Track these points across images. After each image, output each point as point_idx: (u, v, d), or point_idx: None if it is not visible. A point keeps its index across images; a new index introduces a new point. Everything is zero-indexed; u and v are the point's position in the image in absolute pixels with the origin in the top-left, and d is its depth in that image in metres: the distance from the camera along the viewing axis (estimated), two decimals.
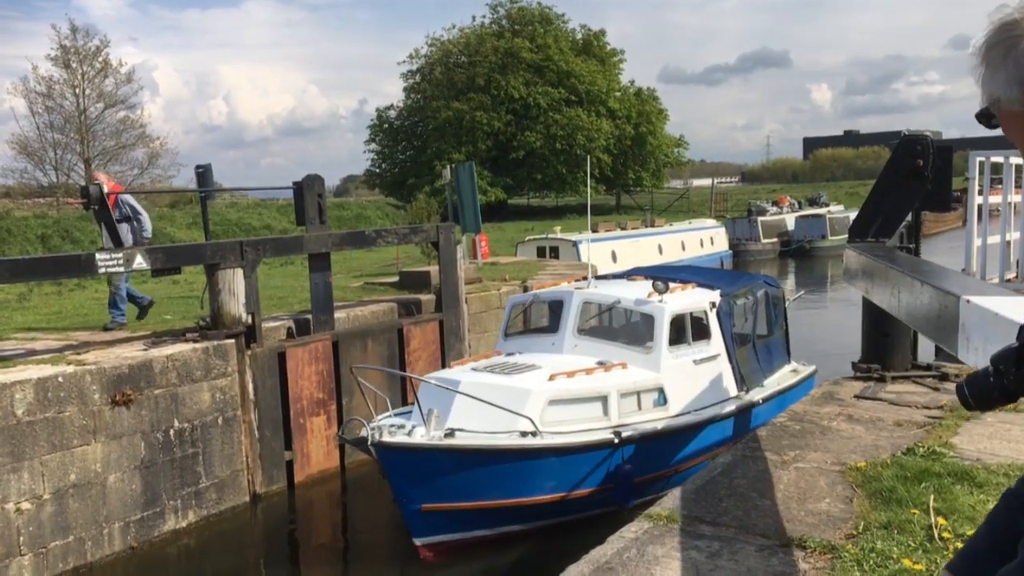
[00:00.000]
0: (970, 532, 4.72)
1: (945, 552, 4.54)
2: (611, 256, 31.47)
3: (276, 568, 10.10)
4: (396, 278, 18.17)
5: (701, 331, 11.07)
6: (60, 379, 9.59)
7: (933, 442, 6.46)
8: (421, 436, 8.80)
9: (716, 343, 11.15)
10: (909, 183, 8.33)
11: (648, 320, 10.79)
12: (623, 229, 35.73)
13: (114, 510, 10.08)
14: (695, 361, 10.80)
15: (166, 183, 41.41)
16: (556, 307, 11.47)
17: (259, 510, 11.40)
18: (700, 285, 11.81)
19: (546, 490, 9.40)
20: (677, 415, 10.38)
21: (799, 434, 6.99)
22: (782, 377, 12.69)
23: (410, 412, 9.81)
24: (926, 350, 9.43)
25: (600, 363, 10.31)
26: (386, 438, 8.63)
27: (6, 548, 9.04)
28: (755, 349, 12.12)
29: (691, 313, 10.93)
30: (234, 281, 11.77)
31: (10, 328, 13.42)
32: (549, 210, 66.46)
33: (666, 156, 69.07)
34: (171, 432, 10.70)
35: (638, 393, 10.12)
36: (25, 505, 9.19)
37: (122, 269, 10.93)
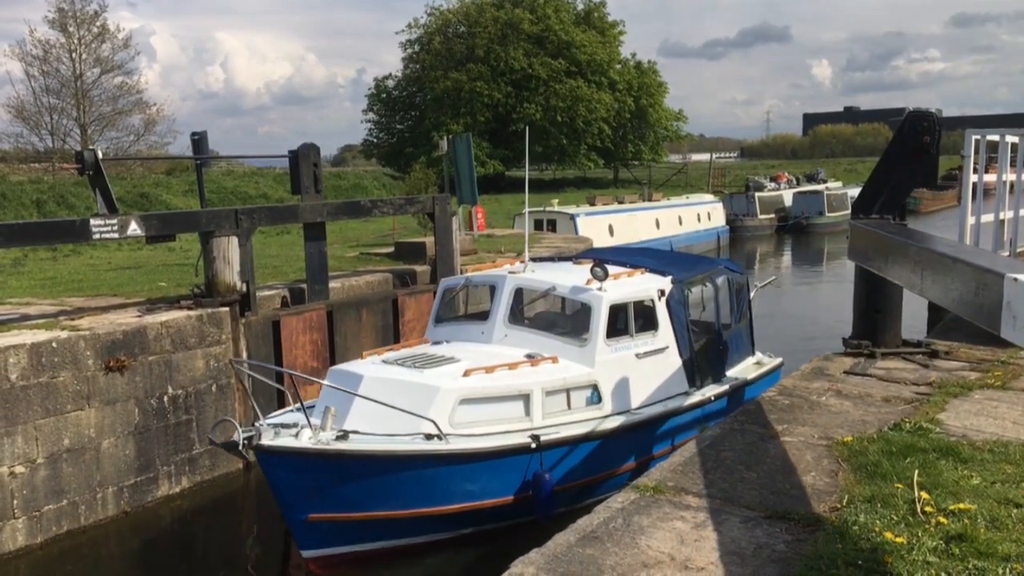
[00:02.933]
0: (952, 507, 4.79)
1: (927, 526, 4.59)
2: (608, 230, 31.47)
3: (268, 534, 10.18)
4: (392, 249, 18.19)
5: (647, 322, 10.22)
6: (54, 344, 9.61)
7: (920, 418, 6.52)
8: (308, 439, 7.85)
9: (665, 335, 10.31)
10: (915, 160, 8.30)
11: (584, 309, 9.95)
12: (620, 203, 35.67)
13: (108, 475, 10.15)
14: (638, 355, 9.95)
15: (162, 150, 41.17)
16: (490, 293, 10.57)
17: (252, 477, 11.47)
18: (651, 271, 10.90)
19: (452, 500, 8.54)
20: (612, 414, 9.54)
21: (788, 408, 7.04)
22: (744, 370, 11.83)
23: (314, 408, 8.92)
24: (915, 327, 9.49)
25: (529, 356, 9.47)
26: (266, 441, 7.71)
27: (0, 510, 9.11)
28: (714, 341, 11.25)
29: (634, 302, 10.06)
30: (229, 249, 11.76)
31: (5, 293, 13.42)
32: (547, 183, 66.28)
33: (665, 130, 68.82)
34: (165, 398, 10.75)
35: (567, 391, 9.28)
36: (19, 469, 9.25)
37: (117, 235, 10.92)
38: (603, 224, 31.43)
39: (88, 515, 9.97)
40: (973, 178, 9.96)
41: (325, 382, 8.74)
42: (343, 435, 7.99)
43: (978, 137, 10.00)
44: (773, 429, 6.53)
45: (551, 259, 12.63)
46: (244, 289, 11.90)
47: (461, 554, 8.96)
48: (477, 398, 8.70)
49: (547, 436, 8.76)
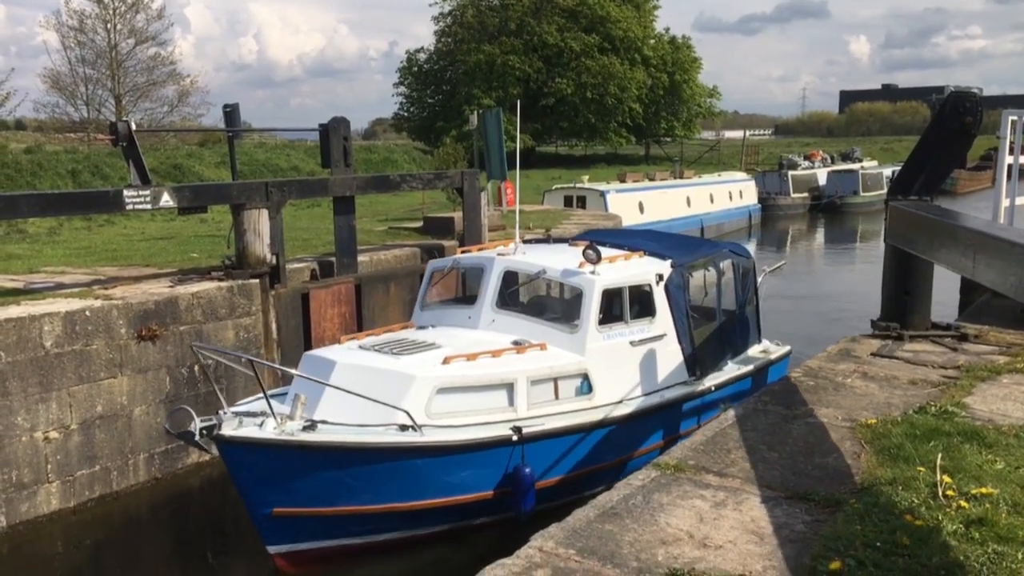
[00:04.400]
0: (975, 491, 4.77)
1: (948, 509, 4.58)
2: (638, 207, 31.33)
3: None
4: (420, 223, 18.25)
5: (644, 307, 9.80)
6: (88, 313, 9.79)
7: (946, 401, 6.47)
8: (272, 429, 7.50)
9: (663, 321, 9.86)
10: (955, 141, 8.16)
11: (575, 294, 9.54)
12: (651, 180, 35.48)
13: (139, 442, 10.35)
14: (633, 343, 9.52)
15: (196, 121, 41.50)
16: (479, 276, 10.11)
17: None
18: (651, 254, 10.38)
19: (427, 494, 8.19)
20: (603, 405, 9.12)
21: (812, 389, 7.02)
22: (749, 359, 11.38)
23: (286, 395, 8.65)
24: (945, 311, 9.38)
25: (516, 343, 9.07)
26: (228, 431, 7.35)
27: (34, 475, 9.34)
28: (716, 328, 10.84)
29: (630, 286, 9.63)
30: (259, 221, 11.88)
31: (40, 261, 13.66)
32: (577, 159, 65.99)
33: (699, 106, 68.14)
34: (196, 368, 10.91)
35: (554, 380, 8.87)
36: (53, 434, 9.46)
37: (150, 206, 11.07)
38: (633, 201, 31.30)
39: (120, 481, 10.19)
40: (1009, 159, 9.80)
41: (295, 371, 8.35)
42: (310, 425, 7.64)
43: (1015, 118, 9.83)
44: (797, 410, 6.51)
45: (546, 241, 12.23)
46: (274, 261, 12.03)
47: (439, 551, 8.63)
48: (456, 387, 8.31)
49: (530, 428, 8.37)
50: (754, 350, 11.74)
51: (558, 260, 9.82)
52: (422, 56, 65.34)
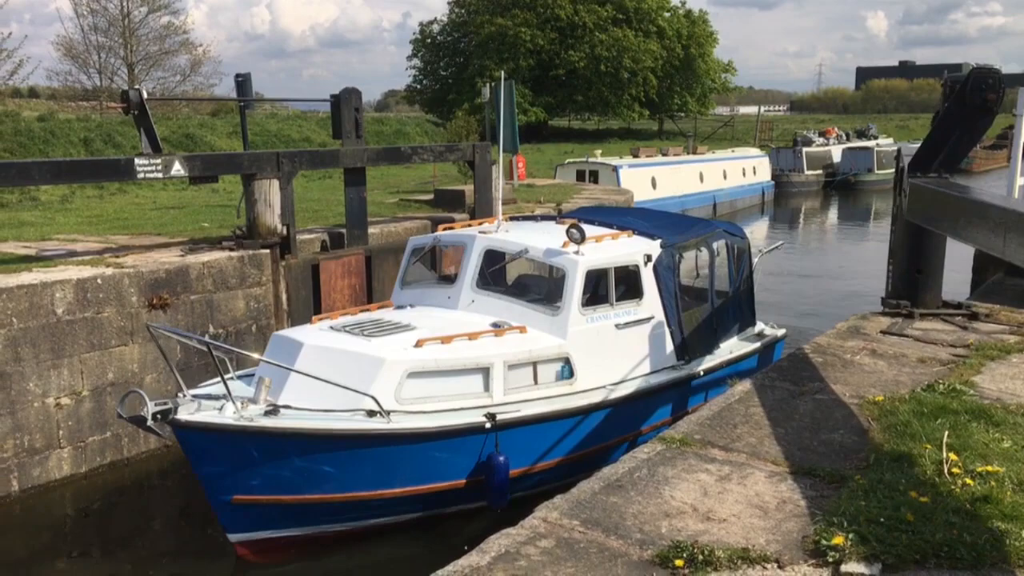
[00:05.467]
0: (980, 469, 4.77)
1: (952, 487, 4.58)
2: (651, 183, 31.21)
3: None
4: (431, 196, 18.23)
5: (631, 289, 9.47)
6: (99, 281, 9.85)
7: (954, 380, 6.45)
8: (231, 413, 7.20)
9: (651, 303, 9.53)
10: (977, 118, 8.07)
11: (558, 275, 9.17)
12: (664, 155, 35.31)
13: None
14: (618, 325, 9.19)
15: (208, 91, 41.41)
16: (459, 254, 9.76)
17: None
18: (640, 233, 10.01)
19: (395, 483, 7.94)
20: (585, 391, 8.82)
21: (820, 366, 7.01)
22: (742, 343, 11.07)
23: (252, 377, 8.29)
24: (956, 289, 9.33)
25: (495, 325, 8.76)
26: (183, 416, 7.07)
27: (46, 440, 9.44)
28: (707, 310, 10.48)
29: (616, 267, 9.28)
30: (270, 192, 11.89)
31: (52, 229, 13.71)
32: (590, 133, 65.69)
33: (713, 81, 67.62)
34: (206, 337, 10.94)
35: (534, 364, 8.55)
36: (65, 400, 9.54)
37: (161, 175, 11.09)
38: (646, 176, 31.17)
39: (130, 447, 10.28)
40: None
41: (256, 355, 8.07)
42: (272, 410, 7.36)
43: None
44: (804, 386, 6.51)
45: (533, 218, 11.84)
46: (284, 232, 12.05)
47: (409, 540, 8.39)
48: (428, 371, 7.99)
49: (506, 415, 8.05)
50: (748, 333, 11.43)
51: (542, 239, 9.44)
52: (435, 28, 65.08)
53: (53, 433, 9.50)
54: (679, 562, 3.95)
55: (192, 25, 52.68)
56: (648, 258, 9.58)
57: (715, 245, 10.85)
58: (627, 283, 9.48)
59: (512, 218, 11.22)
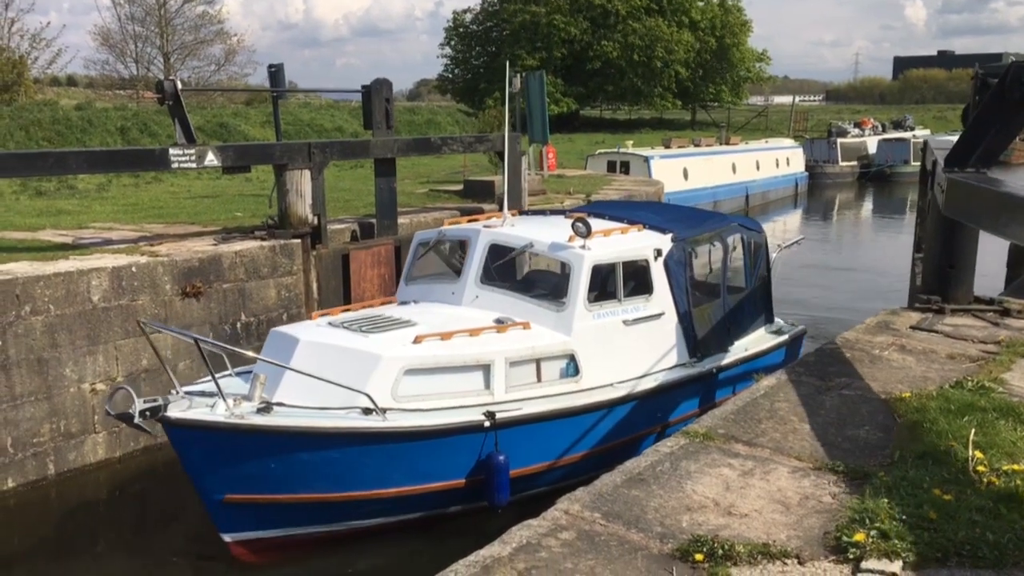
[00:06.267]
0: (1006, 467, 4.74)
1: (977, 485, 4.57)
2: (683, 174, 31.02)
3: None
4: (461, 186, 18.28)
5: (640, 284, 9.23)
6: (134, 269, 10.02)
7: (983, 377, 6.41)
8: (223, 411, 7.05)
9: (661, 299, 9.28)
10: (1016, 112, 7.95)
11: (564, 269, 8.96)
12: (697, 146, 35.07)
13: None
14: (626, 322, 8.95)
15: (242, 81, 41.86)
16: (465, 248, 9.57)
17: None
18: (651, 227, 9.77)
19: (392, 483, 7.76)
20: (590, 388, 8.59)
21: (848, 361, 6.98)
22: (757, 340, 10.74)
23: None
24: (990, 284, 9.23)
25: (498, 321, 8.57)
26: (174, 413, 6.93)
27: (82, 425, 9.64)
28: (721, 307, 10.19)
29: (624, 262, 9.03)
30: (302, 182, 12.01)
31: (89, 217, 13.95)
32: (622, 123, 65.37)
33: (747, 71, 66.96)
34: (238, 325, 11.12)
35: (537, 361, 8.35)
36: (100, 386, 9.73)
37: (194, 165, 11.24)
38: (678, 167, 30.98)
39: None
40: None
41: (249, 352, 7.95)
42: (265, 407, 7.19)
43: None
44: (831, 382, 6.50)
45: (542, 212, 11.59)
46: (315, 222, 12.16)
47: (409, 540, 8.24)
48: (426, 368, 7.80)
49: (507, 413, 7.85)
50: (766, 330, 11.14)
51: (549, 233, 9.22)
52: (468, 16, 64.96)
53: (88, 418, 9.70)
54: (699, 556, 3.98)
55: (227, 15, 53.26)
56: (658, 252, 9.35)
57: (730, 240, 10.58)
58: (636, 278, 9.25)
59: (523, 212, 11.01)
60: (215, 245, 11.40)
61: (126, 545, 8.62)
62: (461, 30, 64.57)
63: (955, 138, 8.59)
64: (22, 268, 9.50)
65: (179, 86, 11.78)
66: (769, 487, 4.76)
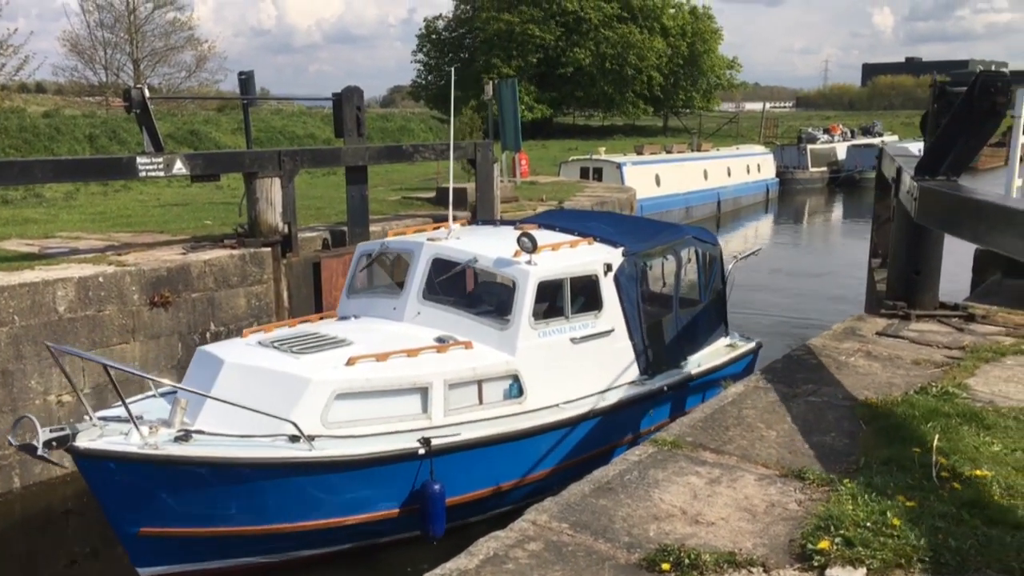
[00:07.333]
0: (969, 473, 4.80)
1: (941, 491, 4.61)
2: (655, 180, 31.20)
3: None
4: (434, 193, 18.27)
5: (589, 300, 8.95)
6: (101, 279, 9.92)
7: (947, 382, 6.48)
8: (137, 440, 6.62)
9: (611, 316, 9.00)
10: (985, 121, 8.06)
11: (508, 286, 8.64)
12: (668, 152, 35.28)
13: None
14: (574, 339, 8.65)
15: (213, 87, 41.57)
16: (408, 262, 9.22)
17: None
18: (603, 240, 9.48)
19: (320, 514, 7.37)
20: (535, 410, 8.24)
21: (815, 368, 7.03)
22: (711, 356, 10.48)
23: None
24: (955, 290, 9.34)
25: (440, 340, 8.22)
26: (83, 443, 6.48)
27: None
28: (674, 322, 9.96)
29: (572, 277, 8.73)
30: (272, 190, 11.95)
31: (56, 227, 13.79)
32: (595, 130, 65.60)
33: (718, 78, 67.52)
34: (208, 335, 11.03)
35: (478, 383, 7.98)
36: (66, 398, 9.62)
37: (163, 173, 11.15)
38: (650, 174, 31.15)
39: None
40: (1023, 139, 9.71)
41: (157, 378, 7.55)
42: (183, 435, 6.80)
43: None
44: (798, 388, 6.54)
45: (491, 223, 11.32)
46: (286, 230, 12.10)
47: (340, 570, 7.92)
48: (359, 392, 7.42)
49: (443, 438, 7.48)
50: (719, 344, 10.87)
51: (494, 247, 8.88)
52: (440, 23, 64.97)
53: None
54: (666, 565, 3.99)
55: (197, 21, 52.81)
56: (608, 267, 9.07)
57: (683, 252, 10.38)
58: (585, 294, 8.97)
59: (472, 222, 10.75)
60: (184, 254, 11.31)
61: (92, 558, 8.50)
62: (434, 37, 64.58)
63: (913, 145, 8.70)
64: None
65: (147, 94, 11.68)
66: (736, 495, 4.78)
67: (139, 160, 10.89)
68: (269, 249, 11.88)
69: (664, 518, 4.51)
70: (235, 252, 11.54)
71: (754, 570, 3.99)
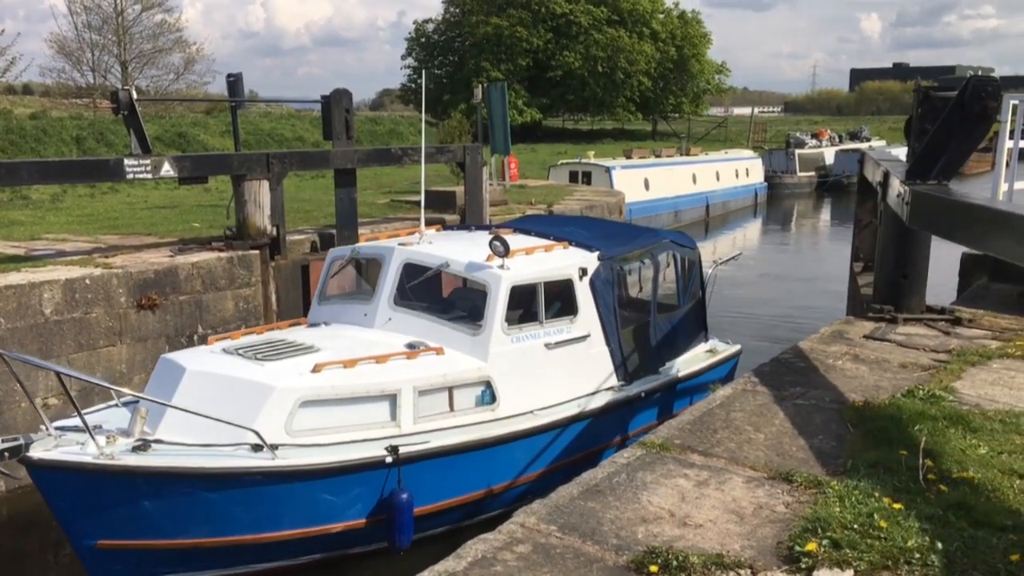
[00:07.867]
0: (956, 475, 4.82)
1: (927, 493, 4.63)
2: (644, 184, 31.28)
3: None
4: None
5: (565, 305, 8.84)
6: (87, 281, 9.86)
7: (934, 385, 6.51)
8: (93, 451, 6.42)
9: (586, 321, 8.87)
10: (976, 125, 8.10)
11: (481, 291, 8.49)
12: (657, 156, 35.38)
13: None
14: (548, 345, 8.53)
15: (201, 89, 41.44)
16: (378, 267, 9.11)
17: None
18: (579, 244, 9.37)
19: (281, 525, 7.17)
20: (508, 417, 8.11)
21: (803, 371, 7.06)
22: (690, 361, 10.34)
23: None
24: (943, 294, 9.40)
25: (410, 346, 8.06)
26: (37, 454, 6.30)
27: None
28: (651, 327, 9.82)
29: (546, 282, 8.60)
30: (260, 193, 11.92)
31: (42, 228, 13.72)
32: (584, 133, 65.76)
33: (707, 82, 67.81)
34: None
35: (449, 389, 7.84)
36: (52, 400, 9.55)
37: (150, 176, 11.12)
38: (639, 178, 31.24)
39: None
40: (1009, 144, 9.76)
41: (112, 387, 7.20)
42: (142, 445, 6.61)
43: (1016, 102, 9.78)
44: (785, 391, 6.56)
45: (466, 227, 11.20)
46: (274, 233, 12.08)
47: None
48: (324, 399, 7.25)
49: (412, 446, 7.31)
50: (698, 350, 10.74)
51: (467, 252, 8.71)
52: (430, 27, 65.04)
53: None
54: (654, 568, 3.99)
55: (186, 23, 52.84)
56: (583, 272, 8.92)
57: (661, 257, 10.27)
58: (560, 299, 8.86)
59: (446, 227, 10.72)
60: (171, 256, 11.27)
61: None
62: (423, 40, 64.65)
63: (898, 150, 8.75)
64: None
65: (134, 96, 11.65)
66: (724, 497, 4.79)
67: (127, 162, 10.85)
68: (257, 252, 11.85)
69: (652, 520, 4.51)
70: (223, 255, 11.50)
71: (742, 572, 4.00)
